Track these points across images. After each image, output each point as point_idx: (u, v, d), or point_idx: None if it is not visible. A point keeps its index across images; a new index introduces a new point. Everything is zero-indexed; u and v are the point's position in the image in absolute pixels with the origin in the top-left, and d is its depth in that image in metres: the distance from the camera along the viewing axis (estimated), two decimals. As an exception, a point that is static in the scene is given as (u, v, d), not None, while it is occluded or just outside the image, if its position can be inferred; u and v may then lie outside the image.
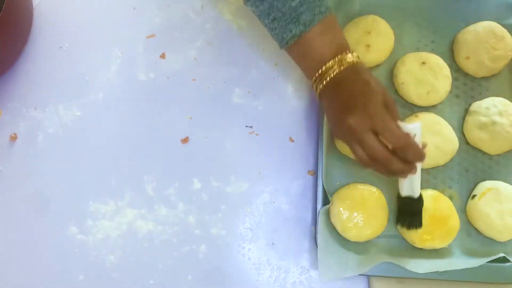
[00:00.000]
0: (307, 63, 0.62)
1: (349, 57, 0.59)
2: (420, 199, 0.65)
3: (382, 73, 0.76)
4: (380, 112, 0.57)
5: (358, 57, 0.61)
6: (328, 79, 0.59)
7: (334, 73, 0.59)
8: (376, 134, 0.57)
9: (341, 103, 0.60)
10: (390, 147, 0.57)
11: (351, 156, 0.71)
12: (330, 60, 0.59)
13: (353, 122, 0.57)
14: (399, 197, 0.66)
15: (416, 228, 0.66)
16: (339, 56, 0.59)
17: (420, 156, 0.58)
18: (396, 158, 0.57)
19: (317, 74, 0.60)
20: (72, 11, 0.78)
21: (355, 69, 0.59)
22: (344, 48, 0.60)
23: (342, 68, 0.59)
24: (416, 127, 0.59)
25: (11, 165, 0.72)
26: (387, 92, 0.60)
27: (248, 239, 0.70)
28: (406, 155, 0.57)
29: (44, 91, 0.75)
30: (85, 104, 0.75)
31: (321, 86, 0.60)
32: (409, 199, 0.65)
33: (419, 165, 0.61)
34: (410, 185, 0.64)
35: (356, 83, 0.59)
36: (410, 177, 0.62)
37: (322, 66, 0.60)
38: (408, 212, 0.66)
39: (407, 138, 0.57)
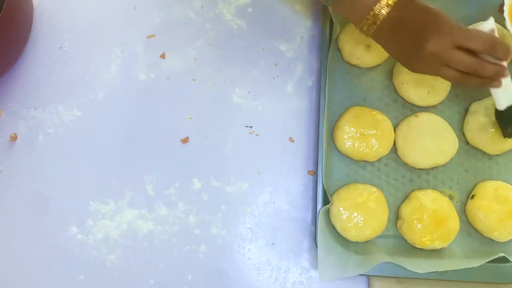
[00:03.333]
0: (354, 15, 0.61)
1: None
2: None
3: (382, 73, 0.76)
4: (455, 25, 0.57)
5: None
6: (379, 21, 0.59)
7: (385, 13, 0.58)
8: (458, 48, 0.57)
9: (409, 36, 0.59)
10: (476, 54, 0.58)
11: (351, 156, 0.71)
12: (376, 4, 0.58)
13: (434, 47, 0.57)
14: (497, 112, 0.65)
15: None
16: (378, 3, 0.58)
17: (509, 51, 0.58)
18: (487, 62, 0.58)
19: (364, 20, 0.59)
20: (72, 11, 0.78)
21: (400, 11, 0.58)
22: None
23: (392, 4, 0.58)
24: (489, 23, 0.60)
25: (11, 165, 0.72)
26: (442, 31, 0.58)
27: (248, 239, 0.70)
28: (496, 54, 0.58)
29: (44, 91, 0.75)
30: (85, 104, 0.74)
31: (372, 29, 0.60)
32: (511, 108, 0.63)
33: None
34: (506, 93, 0.62)
35: (417, 13, 0.58)
36: (504, 84, 0.61)
37: (369, 12, 0.58)
38: None
39: (493, 37, 0.58)
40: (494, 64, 0.59)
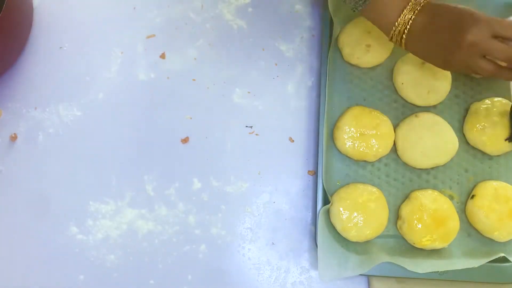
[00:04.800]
0: (383, 23, 0.63)
1: (412, 9, 0.60)
2: None
3: (382, 73, 0.76)
4: (491, 17, 0.58)
5: None
6: (409, 26, 0.60)
7: (413, 15, 0.60)
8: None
9: (445, 33, 0.60)
10: None
11: (351, 156, 0.71)
12: (402, 11, 0.60)
13: (473, 37, 0.58)
14: None
15: None
16: (410, 4, 0.60)
17: None
18: None
19: (394, 28, 0.61)
20: (73, 11, 0.78)
21: (434, 3, 0.60)
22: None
23: (419, 8, 0.60)
24: None
25: (11, 165, 0.72)
26: (473, 26, 0.59)
27: (248, 239, 0.70)
28: None
29: (44, 91, 0.75)
30: (85, 104, 0.75)
31: (402, 37, 0.61)
32: None
33: None
34: None
35: (449, 11, 0.59)
36: None
37: (397, 19, 0.60)
38: None
39: None
40: None
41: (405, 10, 0.60)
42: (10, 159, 0.72)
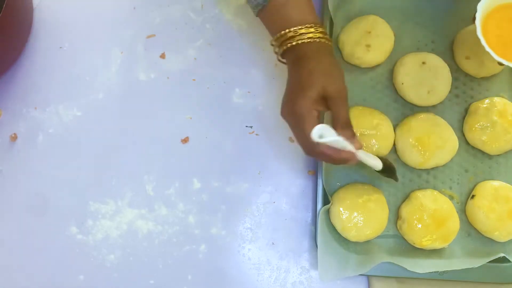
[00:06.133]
0: (271, 31, 0.62)
1: (310, 32, 0.58)
2: (386, 167, 0.65)
3: (382, 73, 0.76)
4: (303, 114, 0.56)
5: (322, 33, 0.59)
6: (295, 42, 0.58)
7: (294, 43, 0.58)
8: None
9: (288, 83, 0.60)
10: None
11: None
12: (292, 28, 0.58)
13: (283, 115, 0.59)
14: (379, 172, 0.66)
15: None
16: (302, 27, 0.58)
17: (334, 160, 0.57)
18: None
19: (278, 35, 0.60)
20: (72, 11, 0.78)
21: (312, 49, 0.58)
22: (308, 21, 0.59)
23: (300, 42, 0.58)
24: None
25: (11, 165, 0.72)
26: (336, 82, 0.57)
27: (248, 239, 0.70)
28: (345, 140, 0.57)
29: (44, 91, 0.75)
30: (85, 104, 0.75)
31: (282, 49, 0.60)
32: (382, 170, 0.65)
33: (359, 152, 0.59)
34: (371, 160, 0.63)
35: (302, 69, 0.58)
36: (363, 156, 0.60)
37: (292, 28, 0.59)
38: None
39: (312, 151, 0.57)
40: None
41: (293, 29, 0.58)
42: (10, 159, 0.72)
